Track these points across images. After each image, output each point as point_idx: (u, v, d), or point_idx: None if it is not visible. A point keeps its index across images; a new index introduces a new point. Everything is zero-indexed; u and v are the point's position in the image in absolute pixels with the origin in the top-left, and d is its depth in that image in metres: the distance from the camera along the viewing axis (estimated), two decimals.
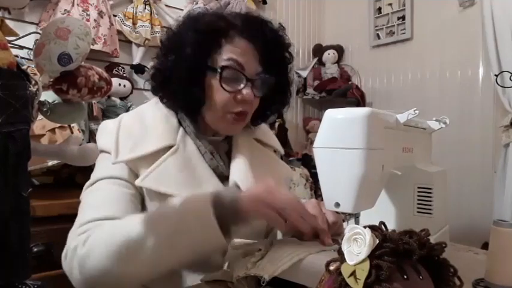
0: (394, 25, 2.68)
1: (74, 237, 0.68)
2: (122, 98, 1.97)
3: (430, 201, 0.69)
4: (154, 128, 0.80)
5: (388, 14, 2.71)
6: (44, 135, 1.39)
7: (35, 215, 1.12)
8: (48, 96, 0.51)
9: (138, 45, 2.07)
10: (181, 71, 0.78)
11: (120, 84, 1.93)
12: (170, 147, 0.78)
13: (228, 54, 0.78)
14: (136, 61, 2.07)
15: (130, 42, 2.05)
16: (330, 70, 2.87)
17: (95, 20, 1.81)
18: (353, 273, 0.36)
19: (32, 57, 1.21)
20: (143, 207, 0.77)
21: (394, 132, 0.63)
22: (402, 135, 0.68)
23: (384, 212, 0.71)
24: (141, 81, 2.12)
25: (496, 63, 2.05)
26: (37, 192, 0.88)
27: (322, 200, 0.64)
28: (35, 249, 1.08)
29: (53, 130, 1.41)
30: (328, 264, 0.41)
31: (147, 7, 2.07)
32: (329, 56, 2.90)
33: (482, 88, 2.27)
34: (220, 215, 0.63)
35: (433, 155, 0.84)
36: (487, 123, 2.24)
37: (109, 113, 1.86)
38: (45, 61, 0.47)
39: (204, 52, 0.78)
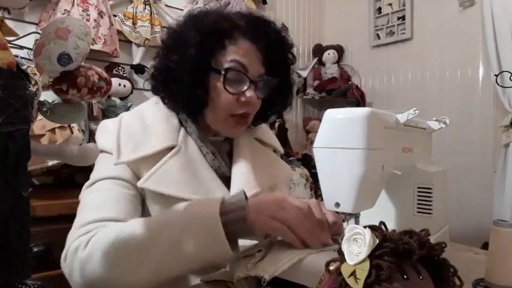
0: (394, 25, 2.69)
1: (75, 239, 0.67)
2: (122, 98, 1.97)
3: (430, 201, 0.69)
4: (155, 128, 0.79)
5: (388, 14, 2.72)
6: (44, 135, 1.39)
7: (35, 215, 1.12)
8: (48, 96, 0.50)
9: (138, 45, 2.07)
10: (184, 72, 0.77)
11: (120, 84, 1.93)
12: (172, 147, 0.78)
13: (232, 55, 0.77)
14: (136, 61, 2.07)
15: (130, 42, 2.05)
16: (330, 70, 2.88)
17: (95, 20, 1.81)
18: (353, 273, 0.36)
19: (32, 57, 1.21)
20: (143, 208, 0.77)
21: (394, 132, 0.63)
22: (402, 135, 0.68)
23: (384, 212, 0.71)
24: (141, 81, 2.12)
25: (496, 63, 2.05)
26: (37, 192, 0.88)
27: (322, 200, 0.63)
28: (35, 249, 1.08)
29: (53, 130, 1.41)
30: (328, 264, 0.41)
31: (147, 7, 2.07)
32: (329, 56, 2.90)
33: (482, 88, 2.27)
34: (227, 224, 0.61)
35: (433, 155, 0.84)
36: (487, 123, 2.24)
37: (109, 113, 1.86)
38: (45, 61, 0.47)
39: (207, 53, 0.78)
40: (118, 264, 0.62)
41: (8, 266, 0.37)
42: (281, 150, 1.01)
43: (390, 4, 2.72)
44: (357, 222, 0.63)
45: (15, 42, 0.44)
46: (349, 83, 2.83)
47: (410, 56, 2.59)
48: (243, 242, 0.68)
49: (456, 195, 2.13)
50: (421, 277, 0.36)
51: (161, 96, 0.83)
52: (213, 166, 0.81)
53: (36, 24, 1.77)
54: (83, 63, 0.51)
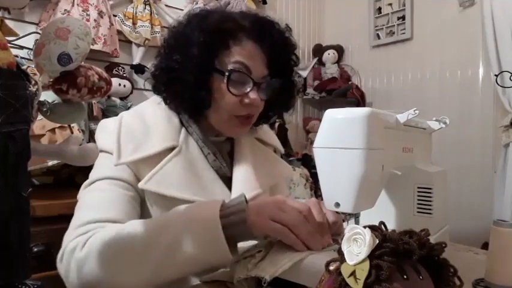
0: (394, 25, 2.69)
1: (72, 239, 0.66)
2: (122, 98, 1.98)
3: (430, 201, 0.69)
4: (155, 128, 0.79)
5: (388, 14, 2.72)
6: (44, 135, 1.39)
7: (35, 215, 1.12)
8: (48, 96, 0.50)
9: (138, 45, 2.07)
10: (187, 72, 0.76)
11: (120, 84, 1.93)
12: (172, 148, 0.77)
13: (236, 57, 0.76)
14: (136, 61, 2.07)
15: (130, 42, 2.06)
16: (330, 70, 2.88)
17: (95, 20, 1.81)
18: (353, 273, 0.36)
19: (32, 57, 1.21)
20: (142, 209, 0.76)
21: (394, 132, 0.63)
22: (402, 135, 0.68)
23: (384, 212, 0.71)
24: (141, 81, 2.12)
25: (496, 63, 2.05)
26: (37, 192, 0.88)
27: (322, 200, 0.63)
28: (35, 249, 1.08)
29: (53, 130, 1.41)
30: (328, 264, 0.41)
31: (147, 7, 2.07)
32: (329, 56, 2.90)
33: (482, 88, 2.28)
34: (227, 227, 0.61)
35: (433, 155, 0.84)
36: (487, 123, 2.24)
37: (109, 113, 1.86)
38: (45, 61, 0.47)
39: (211, 53, 0.76)
40: (116, 266, 0.62)
41: (8, 266, 0.37)
42: (282, 150, 1.01)
43: (390, 4, 2.72)
44: (357, 222, 0.63)
45: (15, 42, 0.45)
46: (349, 83, 2.83)
47: (410, 56, 2.59)
48: (243, 242, 0.68)
49: (456, 195, 2.13)
50: (421, 277, 0.36)
51: (163, 96, 0.82)
52: (214, 167, 0.81)
53: (36, 24, 1.77)
54: (83, 63, 0.51)
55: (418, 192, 0.71)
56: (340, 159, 0.56)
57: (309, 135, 2.91)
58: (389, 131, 0.61)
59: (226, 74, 0.76)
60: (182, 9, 2.21)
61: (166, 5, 2.18)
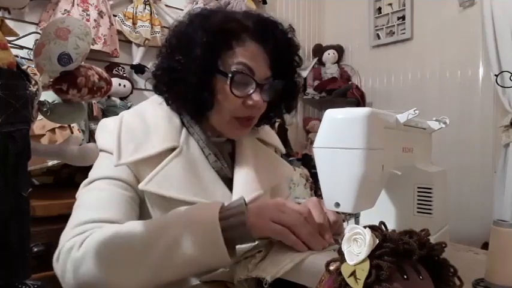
0: (394, 25, 2.69)
1: (69, 239, 0.65)
2: (122, 98, 1.98)
3: (430, 201, 0.69)
4: (156, 128, 0.78)
5: (388, 14, 2.72)
6: (44, 135, 1.39)
7: (35, 215, 1.12)
8: (48, 96, 0.51)
9: (138, 45, 2.07)
10: (189, 73, 0.75)
11: (120, 84, 1.93)
12: (173, 148, 0.76)
13: (239, 58, 0.75)
14: (136, 61, 2.07)
15: (130, 42, 2.06)
16: (330, 70, 2.88)
17: (95, 20, 1.81)
18: (353, 273, 0.36)
19: (32, 57, 1.21)
20: (141, 210, 0.76)
21: (394, 132, 0.63)
22: (402, 135, 0.68)
23: (384, 212, 0.71)
24: (141, 81, 2.13)
25: (496, 63, 2.05)
26: (37, 192, 0.88)
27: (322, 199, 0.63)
28: (35, 249, 1.08)
29: (53, 130, 1.41)
30: (328, 264, 0.41)
31: (147, 7, 2.07)
32: (329, 56, 2.90)
33: (482, 88, 2.28)
34: (226, 230, 0.61)
35: (433, 155, 0.84)
36: (487, 123, 2.24)
37: (109, 113, 1.86)
38: (45, 61, 0.47)
39: (214, 53, 0.75)
40: (113, 267, 0.61)
41: (8, 266, 0.37)
42: (282, 149, 1.00)
43: (390, 4, 2.72)
44: (357, 222, 0.63)
45: (15, 42, 0.45)
46: (349, 83, 2.84)
47: (410, 56, 2.60)
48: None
49: (456, 195, 2.13)
50: (421, 277, 0.36)
51: (165, 97, 0.81)
52: (215, 168, 0.80)
53: (36, 24, 1.77)
54: (83, 63, 0.51)
55: (418, 192, 0.71)
56: (340, 159, 0.56)
57: (309, 135, 2.91)
58: (389, 131, 0.62)
59: (230, 75, 0.75)
60: (182, 9, 2.21)
61: (166, 5, 2.18)
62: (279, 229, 0.61)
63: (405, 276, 0.36)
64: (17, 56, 0.71)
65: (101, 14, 1.85)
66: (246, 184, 0.80)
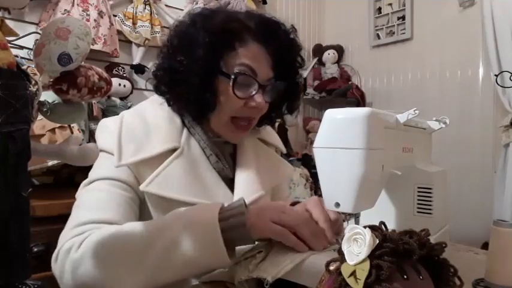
0: (394, 25, 2.69)
1: (68, 239, 0.64)
2: (122, 98, 1.98)
3: (430, 201, 0.69)
4: (157, 128, 0.77)
5: (388, 14, 2.72)
6: (44, 135, 1.39)
7: (35, 215, 1.12)
8: (48, 96, 0.50)
9: (138, 45, 2.07)
10: (192, 74, 0.74)
11: (120, 84, 1.93)
12: (174, 149, 0.76)
13: (242, 59, 0.75)
14: (136, 61, 2.07)
15: (130, 42, 2.06)
16: (330, 70, 2.88)
17: (95, 20, 1.81)
18: (353, 273, 0.36)
19: (32, 57, 1.21)
20: (141, 211, 0.75)
21: (394, 132, 0.63)
22: (402, 135, 0.68)
23: (384, 212, 0.71)
24: (141, 81, 2.13)
25: (496, 63, 2.05)
26: (37, 192, 0.88)
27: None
28: (35, 249, 1.08)
29: (53, 130, 1.41)
30: (328, 264, 0.41)
31: (147, 7, 2.07)
32: (329, 56, 2.90)
33: (482, 88, 2.28)
34: (226, 230, 0.61)
35: (433, 155, 0.84)
36: (487, 123, 2.24)
37: (109, 113, 1.86)
38: (45, 61, 0.47)
39: (216, 54, 0.75)
40: (112, 268, 0.61)
41: (8, 266, 0.37)
42: (283, 149, 1.00)
43: (390, 4, 2.72)
44: (357, 222, 0.63)
45: (15, 42, 0.44)
46: (349, 83, 2.84)
47: (410, 56, 2.60)
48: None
49: (456, 195, 2.13)
50: (421, 277, 0.36)
51: (166, 97, 0.81)
52: (216, 168, 0.80)
53: (36, 24, 1.77)
54: (83, 63, 0.51)
55: (418, 192, 0.71)
56: (340, 159, 0.56)
57: (309, 135, 2.91)
58: (389, 131, 0.61)
59: (232, 77, 0.74)
60: (182, 9, 2.21)
61: (166, 5, 2.18)
62: (279, 230, 0.61)
63: (405, 276, 0.36)
64: (17, 56, 0.71)
65: (101, 14, 1.85)
66: (247, 185, 0.80)
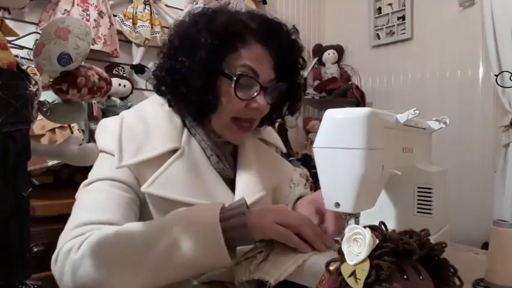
0: (394, 25, 2.69)
1: (67, 240, 0.64)
2: (122, 98, 1.97)
3: (430, 201, 0.69)
4: (157, 128, 0.77)
5: (388, 14, 2.72)
6: (44, 135, 1.39)
7: (35, 215, 1.12)
8: (48, 96, 0.51)
9: (138, 45, 2.07)
10: (194, 75, 0.73)
11: (120, 84, 1.93)
12: (175, 150, 0.75)
13: (244, 60, 0.74)
14: (136, 61, 2.07)
15: (130, 42, 2.05)
16: (330, 70, 2.88)
17: (95, 20, 1.81)
18: (353, 273, 0.36)
19: (32, 57, 1.21)
20: (143, 212, 0.75)
21: (394, 132, 0.63)
22: (402, 135, 0.68)
23: (384, 212, 0.71)
24: (141, 81, 2.12)
25: (496, 63, 2.05)
26: (37, 192, 0.88)
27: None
28: (35, 249, 1.08)
29: (53, 130, 1.41)
30: (328, 264, 0.41)
31: (147, 7, 2.07)
32: (329, 56, 2.90)
33: (482, 88, 2.28)
34: (227, 231, 0.60)
35: (433, 155, 0.84)
36: (487, 123, 2.24)
37: (109, 113, 1.85)
38: (45, 61, 0.47)
39: (219, 56, 0.74)
40: (112, 269, 0.60)
41: (8, 266, 0.37)
42: (283, 149, 1.00)
43: (390, 4, 2.72)
44: (357, 222, 0.63)
45: (15, 42, 0.45)
46: (349, 83, 2.83)
47: (410, 56, 2.60)
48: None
49: (456, 195, 2.13)
50: (421, 277, 0.36)
51: (167, 98, 0.80)
52: (217, 169, 0.80)
53: (36, 24, 1.76)
54: (83, 63, 0.51)
55: (418, 192, 0.71)
56: (340, 159, 0.56)
57: (309, 135, 2.91)
58: (389, 131, 0.62)
59: (234, 78, 0.74)
60: (182, 9, 2.21)
61: (166, 5, 2.18)
62: (282, 230, 0.61)
63: (405, 276, 0.36)
64: (17, 56, 0.71)
65: (101, 14, 1.85)
66: (248, 185, 0.80)
